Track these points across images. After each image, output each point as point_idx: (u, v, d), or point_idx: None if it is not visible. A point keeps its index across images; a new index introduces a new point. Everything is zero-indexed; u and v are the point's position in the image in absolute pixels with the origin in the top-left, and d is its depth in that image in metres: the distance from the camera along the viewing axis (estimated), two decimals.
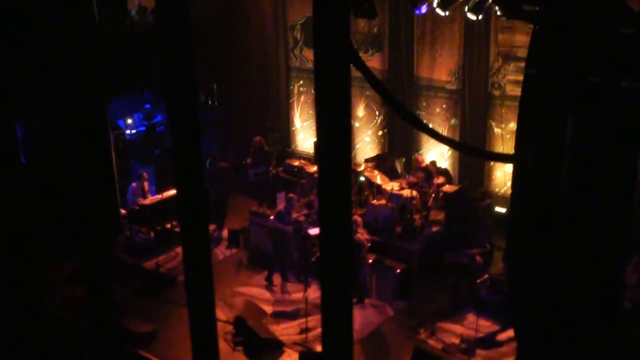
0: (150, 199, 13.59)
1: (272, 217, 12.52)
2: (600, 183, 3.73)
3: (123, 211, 13.11)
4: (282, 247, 12.29)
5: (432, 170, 13.38)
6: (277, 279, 12.34)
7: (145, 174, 14.07)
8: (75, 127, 7.05)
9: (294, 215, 12.43)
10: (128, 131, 16.39)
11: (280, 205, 12.62)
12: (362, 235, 11.44)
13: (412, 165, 13.76)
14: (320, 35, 4.17)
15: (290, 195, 12.64)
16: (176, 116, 5.21)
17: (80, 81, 6.89)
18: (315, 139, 16.19)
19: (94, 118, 7.12)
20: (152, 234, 13.59)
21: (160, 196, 13.58)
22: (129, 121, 16.77)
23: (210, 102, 16.20)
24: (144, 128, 16.82)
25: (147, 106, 16.82)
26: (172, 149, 5.34)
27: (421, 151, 14.51)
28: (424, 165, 13.50)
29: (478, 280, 11.10)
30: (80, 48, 6.78)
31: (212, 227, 13.56)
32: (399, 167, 14.32)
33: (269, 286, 12.18)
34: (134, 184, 13.76)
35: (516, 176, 4.23)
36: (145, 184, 13.88)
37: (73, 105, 6.95)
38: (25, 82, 6.88)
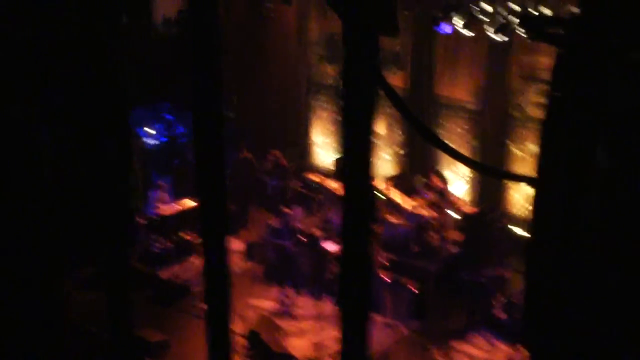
0: (169, 209, 13.66)
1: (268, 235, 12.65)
2: (627, 211, 3.68)
3: (142, 220, 13.19)
4: (287, 262, 12.31)
5: (446, 190, 13.36)
6: (291, 293, 12.33)
7: (164, 183, 14.16)
8: (98, 136, 7.11)
9: (303, 227, 12.50)
10: (149, 141, 16.50)
11: (275, 222, 12.69)
12: None
13: (430, 183, 13.72)
14: (349, 54, 4.19)
15: (286, 210, 12.67)
16: (200, 127, 5.25)
17: (105, 89, 6.95)
18: (335, 156, 16.21)
19: (116, 126, 7.17)
20: (169, 244, 13.64)
21: (178, 207, 13.64)
22: (150, 131, 16.87)
23: (230, 115, 16.26)
24: (165, 139, 16.91)
25: (170, 117, 16.93)
26: (196, 160, 5.37)
27: (441, 170, 14.46)
28: (438, 183, 13.48)
29: (494, 302, 11.03)
30: (106, 57, 6.85)
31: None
32: (418, 186, 14.28)
33: (283, 300, 12.17)
34: (154, 194, 13.85)
35: (537, 200, 4.20)
36: (164, 194, 13.97)
37: (97, 113, 7.02)
38: (49, 89, 6.95)
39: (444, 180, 13.69)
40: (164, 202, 13.92)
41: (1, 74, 6.45)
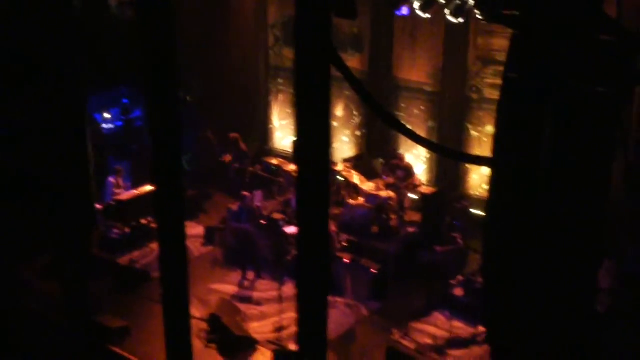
0: (127, 195, 13.50)
1: (229, 219, 12.61)
2: (575, 188, 3.77)
3: (99, 206, 13.02)
4: (248, 245, 12.30)
5: (411, 169, 13.47)
6: (251, 276, 12.33)
7: (121, 168, 13.99)
8: (52, 120, 6.99)
9: (264, 211, 12.49)
10: (105, 126, 16.25)
11: (234, 206, 12.67)
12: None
13: (392, 164, 13.78)
14: (301, 35, 4.16)
15: (244, 193, 12.65)
16: (155, 112, 5.18)
17: (59, 74, 6.83)
18: (293, 138, 16.19)
19: (71, 111, 7.06)
20: (128, 230, 13.49)
21: (136, 192, 13.50)
22: (106, 116, 16.62)
23: (188, 99, 16.12)
24: (121, 123, 16.67)
25: (125, 101, 16.68)
26: (151, 144, 5.31)
27: (400, 151, 14.55)
28: (404, 163, 13.57)
29: (452, 281, 11.17)
30: (60, 41, 6.73)
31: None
32: (377, 168, 14.37)
33: (244, 284, 12.17)
34: (111, 179, 13.68)
35: (493, 180, 4.26)
36: (120, 179, 13.81)
37: (51, 98, 6.90)
38: (2, 74, 6.81)
39: (406, 162, 13.78)
40: (120, 187, 13.76)
41: None
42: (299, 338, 4.99)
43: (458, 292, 11.15)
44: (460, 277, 11.35)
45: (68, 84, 6.94)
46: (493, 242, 4.22)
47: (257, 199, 13.14)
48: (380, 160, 14.54)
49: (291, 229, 12.19)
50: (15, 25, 6.52)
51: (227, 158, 14.97)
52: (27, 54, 6.68)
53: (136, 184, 14.10)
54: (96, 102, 15.30)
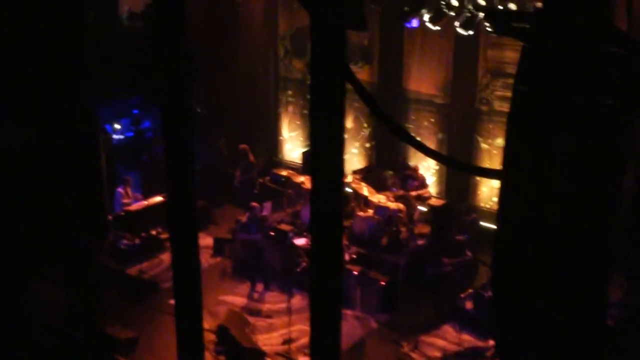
0: (137, 205, 13.55)
1: (238, 231, 12.60)
2: (586, 200, 3.75)
3: (108, 217, 13.06)
4: (257, 257, 12.30)
5: (425, 181, 13.47)
6: (260, 288, 12.32)
7: (129, 178, 14.04)
8: (64, 131, 7.03)
9: (272, 222, 12.50)
10: (115, 136, 16.33)
11: (243, 217, 12.67)
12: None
13: (405, 175, 13.75)
14: (316, 48, 4.18)
15: (253, 204, 12.66)
16: (169, 122, 5.21)
17: (70, 84, 6.88)
18: (303, 150, 16.22)
19: (83, 121, 7.11)
20: (137, 240, 13.53)
21: (146, 202, 13.53)
22: (117, 126, 16.71)
23: (198, 111, 16.18)
24: (131, 134, 16.75)
25: (135, 112, 16.76)
26: (165, 155, 5.34)
27: (410, 163, 14.53)
28: (418, 175, 13.56)
29: (462, 294, 11.13)
30: (71, 51, 6.77)
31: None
32: (387, 179, 14.34)
33: (253, 295, 12.16)
34: (120, 189, 13.73)
35: (503, 192, 4.25)
36: (129, 189, 13.85)
37: (62, 108, 6.94)
38: (14, 84, 6.86)
39: (420, 174, 13.77)
40: (129, 197, 13.80)
41: None
42: (311, 351, 4.98)
43: (467, 305, 11.10)
44: (469, 290, 11.31)
45: (80, 95, 6.98)
46: (503, 255, 4.20)
47: (267, 210, 13.14)
48: (390, 172, 14.51)
49: (300, 241, 12.20)
50: (27, 34, 6.56)
51: (237, 171, 14.97)
52: (39, 64, 6.73)
53: (146, 195, 14.15)
54: (107, 112, 15.38)
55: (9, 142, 7.06)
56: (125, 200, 13.69)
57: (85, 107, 7.20)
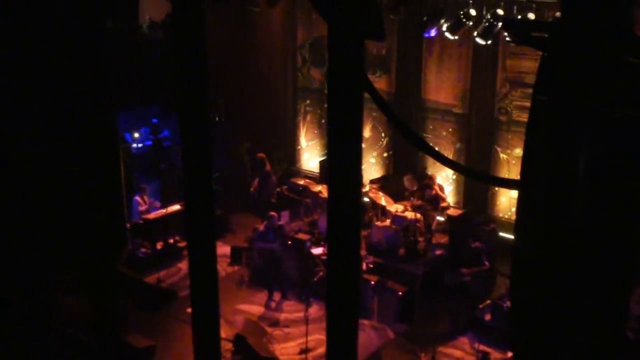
0: (155, 214, 13.61)
1: (256, 239, 12.60)
2: (607, 212, 3.72)
3: (127, 225, 13.13)
4: (274, 265, 12.29)
5: (443, 191, 13.42)
6: (278, 297, 12.32)
7: (145, 186, 14.12)
8: (84, 140, 7.09)
9: (297, 234, 12.48)
10: (134, 145, 16.43)
11: (260, 226, 12.67)
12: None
13: (423, 184, 13.70)
14: (334, 59, 4.18)
15: (272, 213, 12.67)
16: (188, 131, 5.24)
17: (90, 93, 6.94)
18: (320, 159, 16.23)
19: (103, 130, 7.16)
20: (155, 248, 13.59)
21: (164, 210, 13.59)
22: (136, 135, 16.82)
23: (217, 119, 16.25)
24: (150, 142, 16.85)
25: (155, 121, 16.86)
26: (183, 163, 5.36)
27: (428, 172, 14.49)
28: (436, 184, 13.51)
29: (480, 305, 11.06)
30: (90, 60, 6.84)
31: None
32: (407, 183, 14.24)
33: (270, 304, 12.16)
34: (137, 198, 13.80)
35: (522, 203, 4.22)
36: (145, 197, 13.92)
37: (82, 117, 7.00)
38: (34, 93, 6.93)
39: (439, 185, 13.71)
40: (146, 205, 13.87)
41: None
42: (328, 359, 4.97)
43: (486, 315, 11.03)
44: (488, 301, 11.23)
45: (100, 103, 7.05)
46: (521, 266, 4.17)
47: (284, 219, 13.15)
48: (409, 176, 14.29)
49: (317, 250, 12.19)
50: (47, 44, 6.64)
51: (255, 182, 14.99)
52: (59, 74, 6.80)
53: (164, 203, 14.22)
54: (126, 121, 15.50)
55: (30, 151, 7.12)
56: (142, 208, 13.76)
57: (105, 116, 7.26)
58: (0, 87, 6.58)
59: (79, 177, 7.35)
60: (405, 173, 14.66)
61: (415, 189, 13.72)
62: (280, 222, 12.76)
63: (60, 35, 6.73)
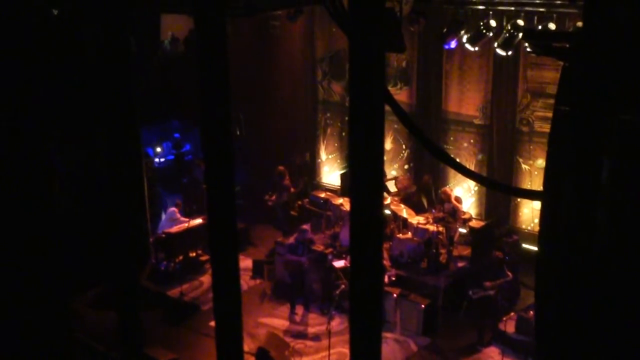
0: (177, 227, 13.68)
1: (285, 250, 12.58)
2: (631, 223, 3.68)
3: (150, 239, 13.21)
4: (299, 278, 12.28)
5: (460, 203, 13.34)
6: (300, 310, 12.31)
7: (180, 202, 14.28)
8: (108, 154, 7.16)
9: (316, 246, 12.46)
10: (156, 159, 16.57)
11: (292, 238, 12.66)
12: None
13: (440, 198, 13.67)
14: (355, 72, 4.21)
15: (304, 227, 12.65)
16: (210, 145, 5.28)
17: (115, 108, 7.02)
18: (341, 172, 16.23)
19: (127, 145, 7.24)
20: (177, 262, 13.65)
21: (186, 225, 13.66)
22: (158, 150, 16.96)
23: (238, 133, 16.34)
24: (172, 157, 16.98)
25: (177, 135, 17.01)
26: (205, 178, 5.41)
27: (449, 185, 14.43)
28: (452, 197, 13.44)
29: (504, 318, 10.97)
30: (116, 75, 6.93)
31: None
32: (425, 201, 14.26)
33: (292, 318, 12.15)
34: (174, 209, 13.92)
35: (545, 214, 4.20)
36: (179, 213, 14.05)
37: (107, 132, 7.08)
38: (60, 108, 7.03)
39: (456, 197, 13.64)
40: (172, 220, 13.94)
41: (16, 100, 6.52)
42: None
43: (509, 328, 10.93)
44: (512, 313, 11.14)
45: (124, 118, 7.13)
46: (546, 278, 4.14)
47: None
48: (427, 176, 14.20)
49: (339, 263, 12.16)
50: (73, 58, 6.75)
51: (273, 196, 15.01)
52: (84, 86, 6.90)
53: (187, 217, 14.29)
54: (148, 136, 15.65)
55: (57, 166, 7.23)
56: (167, 223, 13.83)
57: (128, 129, 7.34)
58: (29, 106, 6.69)
59: (103, 193, 7.43)
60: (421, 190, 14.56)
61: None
62: (309, 236, 12.77)
63: (89, 50, 6.83)
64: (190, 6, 6.87)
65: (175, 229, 13.61)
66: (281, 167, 14.99)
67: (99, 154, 7.36)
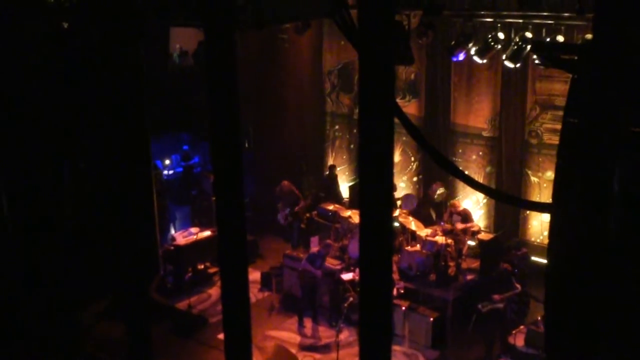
0: (185, 240, 13.69)
1: (304, 258, 12.49)
2: None
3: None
4: (310, 291, 12.25)
5: (469, 215, 13.30)
6: (308, 323, 12.27)
7: (180, 214, 14.27)
8: (118, 167, 7.19)
9: (328, 262, 12.43)
10: (165, 172, 16.60)
11: (315, 248, 12.60)
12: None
13: (448, 210, 13.64)
14: (364, 85, 4.22)
15: (329, 241, 12.62)
16: (220, 158, 5.29)
17: (125, 121, 7.06)
18: (349, 184, 16.22)
19: (137, 158, 7.26)
20: (186, 275, 13.64)
21: (195, 237, 13.67)
22: (167, 162, 17.00)
23: (247, 145, 16.37)
24: (181, 169, 17.02)
25: (185, 147, 17.05)
26: (215, 190, 5.42)
27: (458, 197, 14.40)
28: (460, 209, 13.41)
29: (513, 331, 10.91)
30: (127, 88, 6.96)
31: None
32: (433, 214, 14.24)
33: (301, 330, 12.11)
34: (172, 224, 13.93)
35: (554, 226, 4.18)
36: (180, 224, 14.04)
37: (117, 144, 7.11)
38: (71, 122, 7.08)
39: (460, 206, 13.61)
40: (180, 232, 13.97)
41: (28, 115, 6.57)
42: None
43: (519, 341, 10.87)
44: (521, 326, 11.07)
45: (134, 131, 7.16)
46: (555, 290, 4.12)
47: (314, 245, 13.13)
48: (441, 189, 14.18)
49: (347, 275, 12.14)
50: (83, 71, 6.79)
51: (279, 205, 15.01)
52: (95, 99, 6.95)
53: (195, 229, 14.30)
54: (157, 148, 15.69)
55: (66, 178, 7.26)
56: (175, 235, 13.84)
57: (138, 142, 7.36)
58: (40, 120, 6.74)
59: (113, 205, 7.44)
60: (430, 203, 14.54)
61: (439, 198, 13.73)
62: (312, 249, 12.74)
63: (100, 64, 6.88)
64: (200, 20, 6.91)
65: (183, 241, 13.62)
66: (287, 181, 14.94)
67: (108, 166, 7.37)
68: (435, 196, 13.96)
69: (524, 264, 12.60)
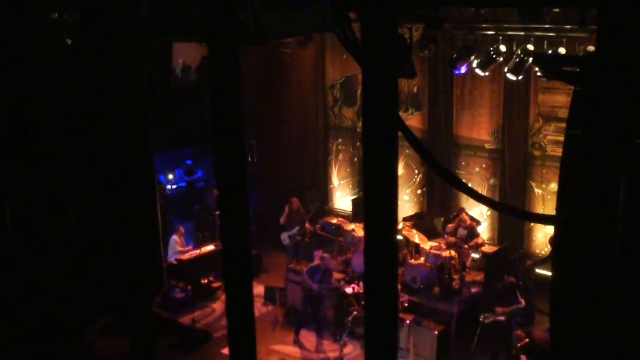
0: (189, 255, 13.67)
1: (304, 271, 12.49)
2: None
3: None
4: (311, 304, 12.21)
5: (476, 231, 13.28)
6: (312, 337, 12.23)
7: (182, 228, 14.21)
8: (122, 182, 7.20)
9: (334, 277, 12.40)
10: (169, 186, 16.61)
11: (317, 261, 12.59)
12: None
13: (456, 223, 13.56)
14: (368, 99, 4.23)
15: (325, 255, 12.60)
16: (224, 173, 5.30)
17: (129, 136, 7.08)
18: (352, 197, 16.23)
19: (141, 173, 7.28)
20: (189, 290, 13.62)
21: (198, 251, 13.65)
22: (170, 177, 17.02)
23: (249, 159, 16.39)
24: (184, 184, 17.03)
25: (189, 162, 17.07)
26: (219, 205, 5.42)
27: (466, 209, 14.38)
28: (468, 224, 13.38)
29: (518, 344, 10.85)
30: (131, 104, 6.99)
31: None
32: (438, 227, 14.22)
33: (305, 345, 12.07)
34: (175, 237, 13.84)
35: (558, 239, 4.17)
36: (182, 239, 13.97)
37: (121, 160, 7.13)
38: (74, 136, 7.10)
39: (473, 219, 13.58)
40: (183, 247, 13.94)
41: (30, 131, 6.59)
42: None
43: (524, 355, 10.81)
44: (526, 340, 11.02)
45: (138, 146, 7.18)
46: (560, 303, 4.11)
47: (317, 258, 13.11)
48: (441, 219, 14.39)
49: (350, 289, 12.11)
50: (87, 86, 6.82)
51: (282, 220, 14.97)
52: (98, 115, 6.98)
53: (198, 244, 14.29)
54: (160, 163, 15.71)
55: (69, 194, 7.27)
56: (180, 249, 13.81)
57: (142, 157, 7.38)
58: (45, 136, 6.75)
59: (117, 221, 7.45)
60: (438, 212, 14.54)
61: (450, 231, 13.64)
62: (315, 262, 12.70)
63: (106, 79, 6.91)
64: (203, 36, 6.94)
65: (187, 256, 13.60)
66: (296, 199, 14.90)
67: (112, 181, 7.38)
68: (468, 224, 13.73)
69: (529, 277, 12.56)
